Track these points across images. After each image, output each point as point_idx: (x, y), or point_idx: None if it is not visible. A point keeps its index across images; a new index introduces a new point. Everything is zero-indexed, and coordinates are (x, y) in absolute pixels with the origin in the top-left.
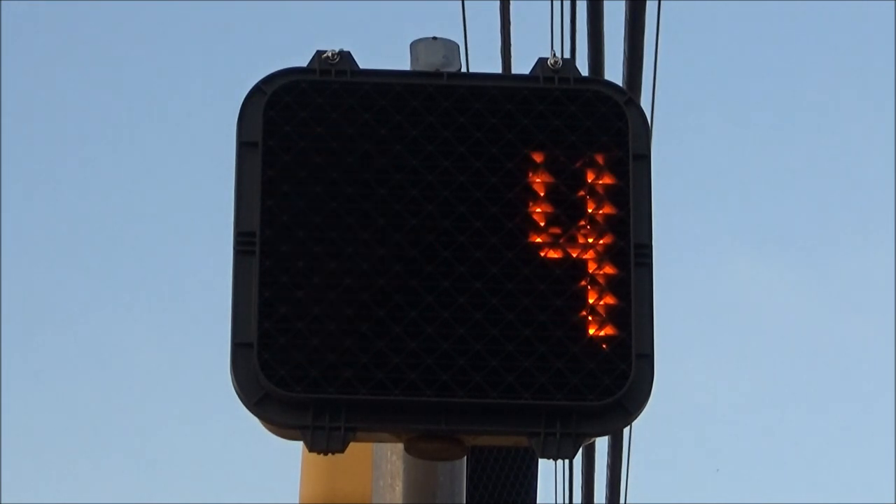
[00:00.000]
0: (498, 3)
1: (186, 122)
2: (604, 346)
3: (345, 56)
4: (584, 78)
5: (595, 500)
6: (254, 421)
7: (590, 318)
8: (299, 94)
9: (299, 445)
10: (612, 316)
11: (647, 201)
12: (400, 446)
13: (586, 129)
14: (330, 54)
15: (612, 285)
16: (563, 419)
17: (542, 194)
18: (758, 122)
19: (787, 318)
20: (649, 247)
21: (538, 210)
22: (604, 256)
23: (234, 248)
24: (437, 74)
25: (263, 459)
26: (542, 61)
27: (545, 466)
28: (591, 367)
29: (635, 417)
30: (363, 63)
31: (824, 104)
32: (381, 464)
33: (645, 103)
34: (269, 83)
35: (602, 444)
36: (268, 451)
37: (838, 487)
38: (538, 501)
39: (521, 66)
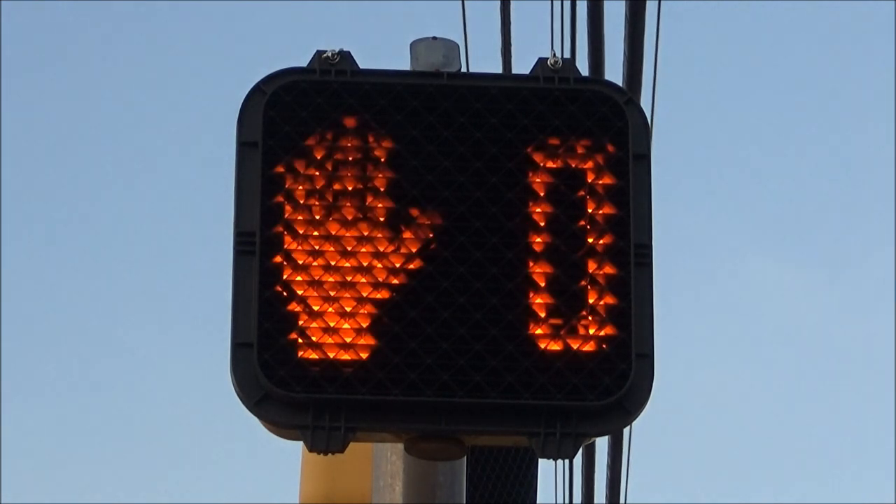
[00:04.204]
0: (498, 3)
1: (186, 122)
2: (604, 346)
3: (345, 56)
4: (584, 78)
5: (595, 500)
6: (254, 421)
7: (590, 317)
8: (299, 94)
9: (299, 445)
10: (612, 316)
11: (647, 201)
12: (400, 446)
13: (586, 129)
14: (330, 54)
15: (612, 285)
16: (562, 419)
17: (542, 194)
18: (759, 122)
19: (797, 318)
20: (649, 247)
21: (538, 210)
22: (604, 256)
23: (234, 248)
24: (437, 74)
25: (263, 459)
26: (542, 61)
27: (545, 466)
28: (591, 367)
29: (635, 417)
30: (363, 63)
31: (826, 103)
32: (381, 464)
33: (645, 103)
34: (268, 83)
35: (602, 444)
36: (268, 451)
37: (842, 487)
38: (538, 501)
39: (521, 66)
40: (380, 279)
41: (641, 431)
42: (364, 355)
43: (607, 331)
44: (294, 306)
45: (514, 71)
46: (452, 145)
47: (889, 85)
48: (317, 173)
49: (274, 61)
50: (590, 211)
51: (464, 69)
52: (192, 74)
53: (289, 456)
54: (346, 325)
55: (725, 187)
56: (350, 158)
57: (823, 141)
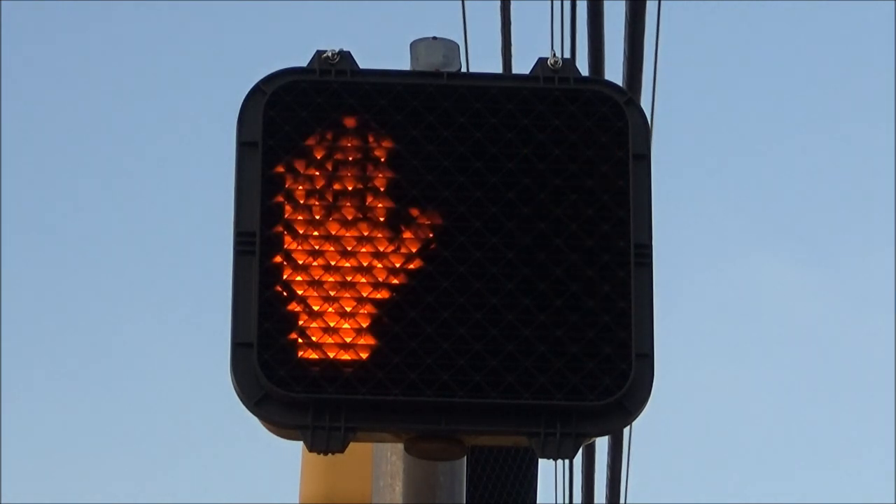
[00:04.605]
0: (498, 3)
1: (186, 122)
2: (604, 346)
3: (345, 56)
4: (584, 78)
5: (595, 500)
6: (254, 421)
7: (590, 317)
8: (299, 94)
9: (299, 445)
10: (612, 316)
11: (647, 201)
12: (400, 446)
13: (586, 129)
14: (330, 54)
15: (612, 285)
16: (562, 419)
17: (541, 194)
18: (759, 121)
19: (798, 316)
20: (649, 247)
21: (537, 210)
22: (603, 256)
23: (234, 248)
24: (437, 74)
25: (263, 459)
26: (542, 61)
27: (545, 466)
28: (590, 367)
29: (635, 417)
30: (363, 63)
31: (826, 102)
32: (381, 464)
33: (645, 103)
34: (269, 83)
35: (602, 444)
36: (268, 451)
37: (842, 487)
38: (538, 501)
39: (521, 66)
40: (380, 279)
41: (641, 431)
42: (364, 355)
43: (607, 331)
44: (294, 306)
45: (514, 71)
46: (452, 145)
47: (889, 84)
48: (317, 173)
49: (274, 61)
50: (589, 211)
51: (464, 69)
52: (192, 74)
53: (289, 456)
54: (346, 325)
55: (726, 187)
56: (350, 158)
57: (824, 139)
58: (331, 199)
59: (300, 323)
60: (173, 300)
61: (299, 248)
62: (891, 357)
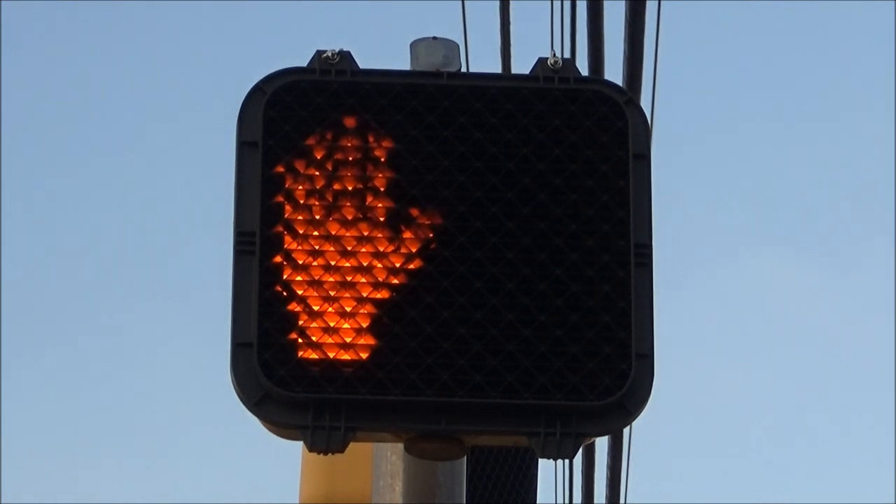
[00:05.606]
0: (498, 3)
1: (187, 122)
2: (604, 346)
3: (345, 56)
4: (584, 78)
5: (595, 500)
6: (254, 421)
7: (590, 317)
8: (299, 93)
9: (299, 445)
10: (612, 316)
11: (647, 201)
12: (400, 446)
13: (586, 129)
14: (330, 54)
15: (612, 285)
16: (562, 419)
17: (541, 194)
18: (759, 121)
19: (799, 316)
20: (649, 247)
21: (537, 210)
22: (603, 256)
23: (234, 248)
24: (437, 74)
25: (263, 459)
26: (542, 61)
27: (545, 466)
28: (591, 367)
29: (635, 417)
30: (363, 63)
31: (827, 101)
32: (381, 464)
33: (645, 103)
34: (269, 83)
35: (602, 443)
36: (268, 451)
37: (842, 487)
38: (538, 501)
39: (521, 66)
40: (380, 279)
41: (641, 431)
42: (364, 355)
43: (607, 331)
44: (294, 306)
45: (514, 71)
46: (452, 145)
47: (889, 84)
48: (317, 173)
49: (274, 61)
50: (589, 211)
51: (464, 69)
52: (192, 74)
53: (289, 456)
54: (346, 325)
55: (726, 186)
56: (350, 158)
57: (824, 139)
58: (331, 199)
59: (300, 323)
60: (173, 300)
61: (299, 247)
62: (891, 357)
